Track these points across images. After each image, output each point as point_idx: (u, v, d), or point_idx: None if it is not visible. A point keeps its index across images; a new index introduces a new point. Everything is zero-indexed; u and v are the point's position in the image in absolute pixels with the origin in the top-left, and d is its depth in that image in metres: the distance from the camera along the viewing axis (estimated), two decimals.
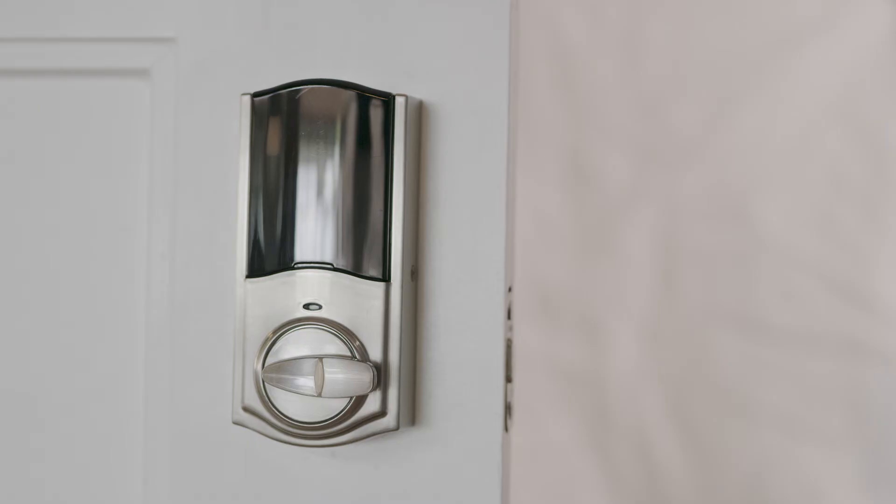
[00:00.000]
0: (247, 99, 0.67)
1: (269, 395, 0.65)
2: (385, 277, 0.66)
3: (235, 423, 0.67)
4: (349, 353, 0.65)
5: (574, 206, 1.36)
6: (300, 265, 0.66)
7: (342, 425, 0.66)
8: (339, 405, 0.65)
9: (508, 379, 0.69)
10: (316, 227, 0.66)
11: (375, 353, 0.66)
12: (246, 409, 0.66)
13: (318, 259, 0.66)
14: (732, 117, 1.33)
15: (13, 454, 0.73)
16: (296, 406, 0.65)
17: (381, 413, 0.66)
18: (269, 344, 0.66)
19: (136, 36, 0.71)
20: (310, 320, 0.66)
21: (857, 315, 1.43)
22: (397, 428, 0.66)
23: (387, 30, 0.69)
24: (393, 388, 0.66)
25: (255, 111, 0.67)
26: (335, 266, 0.66)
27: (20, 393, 0.73)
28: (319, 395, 0.64)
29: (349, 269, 0.66)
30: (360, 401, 0.65)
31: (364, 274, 0.66)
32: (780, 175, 1.33)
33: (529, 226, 1.36)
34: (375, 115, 0.66)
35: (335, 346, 0.65)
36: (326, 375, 0.64)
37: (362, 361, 0.65)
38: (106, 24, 0.71)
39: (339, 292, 0.66)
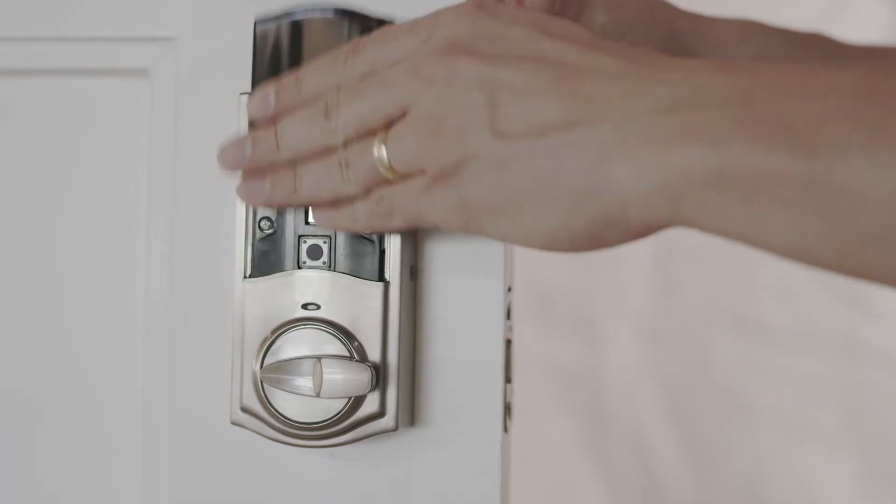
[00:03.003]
0: (246, 98, 0.67)
1: (268, 395, 0.65)
2: (384, 277, 0.66)
3: (234, 423, 0.67)
4: (348, 354, 0.65)
5: None
6: (299, 265, 0.66)
7: (341, 426, 0.65)
8: (337, 405, 0.65)
9: (508, 379, 0.68)
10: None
11: (374, 354, 0.66)
12: (244, 410, 0.66)
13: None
14: None
15: (13, 454, 0.73)
16: (294, 406, 0.65)
17: (380, 413, 0.66)
18: (268, 344, 0.66)
19: (136, 36, 0.71)
20: (308, 320, 0.66)
21: (855, 315, 1.43)
22: (396, 428, 0.66)
23: None
24: (392, 388, 0.66)
25: None
26: (334, 266, 0.66)
27: (20, 393, 0.73)
28: (318, 395, 0.64)
29: (348, 270, 0.66)
30: (358, 401, 0.65)
31: (363, 274, 0.66)
32: None
33: None
34: None
35: (334, 346, 0.65)
36: (325, 376, 0.64)
37: (361, 362, 0.65)
38: (106, 24, 0.71)
39: (337, 292, 0.66)
